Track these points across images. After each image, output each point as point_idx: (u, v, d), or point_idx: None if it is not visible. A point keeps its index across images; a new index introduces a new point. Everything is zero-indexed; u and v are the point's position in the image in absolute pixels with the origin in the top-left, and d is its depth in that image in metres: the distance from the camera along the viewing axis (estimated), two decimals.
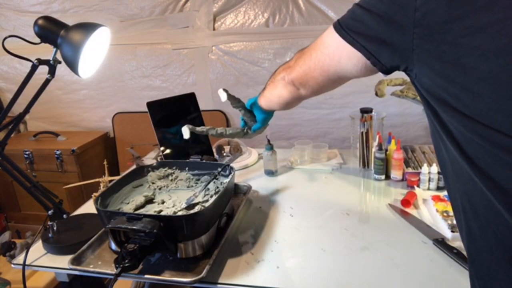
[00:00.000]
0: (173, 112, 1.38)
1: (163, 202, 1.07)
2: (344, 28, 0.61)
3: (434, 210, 1.05)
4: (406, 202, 1.12)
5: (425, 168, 1.21)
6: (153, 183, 1.15)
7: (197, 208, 1.00)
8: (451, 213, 1.02)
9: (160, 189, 1.14)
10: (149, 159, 1.59)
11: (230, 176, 1.07)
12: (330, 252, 0.93)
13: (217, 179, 1.12)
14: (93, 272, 0.86)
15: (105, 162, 1.43)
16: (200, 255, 0.89)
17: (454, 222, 0.97)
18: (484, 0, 0.46)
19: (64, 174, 2.22)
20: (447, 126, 0.52)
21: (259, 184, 1.32)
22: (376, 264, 0.87)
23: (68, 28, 0.94)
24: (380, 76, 0.66)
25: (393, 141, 1.31)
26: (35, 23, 0.93)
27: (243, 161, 1.53)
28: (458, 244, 0.90)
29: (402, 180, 1.29)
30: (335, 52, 0.64)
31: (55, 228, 1.03)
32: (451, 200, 0.60)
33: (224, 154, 1.56)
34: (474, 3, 0.46)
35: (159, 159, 1.41)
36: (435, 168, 1.21)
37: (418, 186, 1.22)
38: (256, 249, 0.95)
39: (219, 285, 0.83)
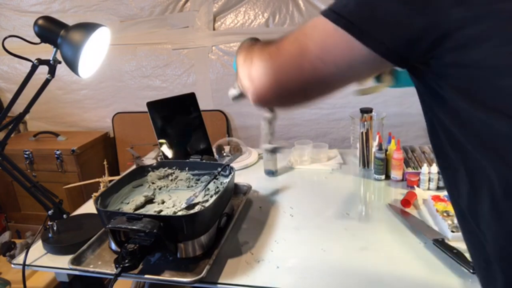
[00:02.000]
0: (173, 112, 1.38)
1: (163, 202, 1.07)
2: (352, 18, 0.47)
3: (434, 210, 1.05)
4: (406, 202, 1.12)
5: (425, 168, 1.21)
6: (153, 183, 1.15)
7: (197, 208, 1.00)
8: (451, 213, 1.02)
9: (160, 189, 1.14)
10: (149, 159, 1.59)
11: (230, 176, 1.07)
12: (330, 252, 0.93)
13: (217, 179, 1.12)
14: (93, 272, 0.86)
15: (105, 162, 1.43)
16: (200, 255, 0.89)
17: (455, 222, 0.97)
18: None
19: (64, 174, 2.22)
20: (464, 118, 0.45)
21: (259, 184, 1.32)
22: (376, 264, 0.87)
23: (68, 28, 0.94)
24: None
25: (393, 141, 1.31)
26: (35, 23, 0.93)
27: (243, 161, 1.53)
28: (458, 244, 0.90)
29: (402, 180, 1.29)
30: (343, 52, 0.49)
31: (55, 228, 1.03)
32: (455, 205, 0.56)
33: (224, 154, 1.56)
34: None
35: (159, 159, 1.41)
36: (435, 168, 1.21)
37: (418, 186, 1.22)
38: (256, 249, 0.95)
39: (219, 285, 0.83)
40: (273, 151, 0.84)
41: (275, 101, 0.58)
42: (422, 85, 0.51)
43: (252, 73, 0.57)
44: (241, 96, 0.91)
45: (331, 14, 0.48)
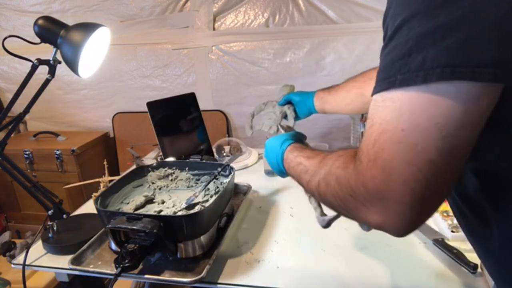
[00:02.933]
0: (173, 112, 1.38)
1: (163, 202, 1.07)
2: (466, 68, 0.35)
3: None
4: None
5: None
6: (153, 183, 1.15)
7: (197, 208, 1.00)
8: (451, 213, 1.02)
9: (160, 189, 1.14)
10: (149, 159, 1.59)
11: (230, 176, 1.07)
12: (330, 252, 0.93)
13: (217, 179, 1.12)
14: (93, 272, 0.86)
15: (105, 162, 1.43)
16: (200, 255, 0.89)
17: (455, 222, 0.97)
18: None
19: (64, 174, 2.21)
20: None
21: (259, 184, 1.32)
22: (376, 264, 0.87)
23: (68, 28, 0.94)
24: None
25: None
26: (35, 23, 0.93)
27: (243, 161, 1.53)
28: (458, 244, 0.90)
29: None
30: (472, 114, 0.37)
31: (55, 228, 1.03)
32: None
33: (224, 154, 1.56)
34: None
35: (159, 159, 1.41)
36: None
37: None
38: (256, 249, 0.95)
39: (219, 285, 0.83)
40: (329, 224, 0.75)
41: (425, 221, 0.43)
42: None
43: (373, 220, 0.43)
44: (335, 218, 0.76)
45: (410, 77, 0.37)
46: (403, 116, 0.38)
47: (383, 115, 0.40)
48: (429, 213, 0.42)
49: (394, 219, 0.41)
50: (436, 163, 0.37)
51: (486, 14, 0.35)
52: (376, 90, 0.41)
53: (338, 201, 0.49)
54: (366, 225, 0.67)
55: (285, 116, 1.13)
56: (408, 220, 0.40)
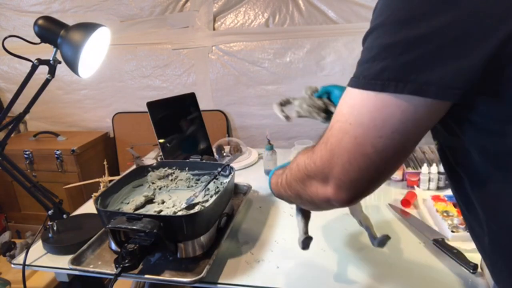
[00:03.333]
0: (173, 112, 1.38)
1: (163, 202, 1.07)
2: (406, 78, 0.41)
3: (434, 210, 1.05)
4: (406, 202, 1.12)
5: (425, 168, 1.21)
6: (153, 183, 1.15)
7: (197, 208, 1.00)
8: (451, 213, 1.02)
9: (160, 189, 1.14)
10: (149, 159, 1.59)
11: (230, 176, 1.07)
12: (330, 252, 0.93)
13: (217, 179, 1.12)
14: (93, 272, 0.86)
15: (105, 162, 1.43)
16: (200, 255, 0.89)
17: (455, 222, 0.97)
18: None
19: (64, 174, 2.21)
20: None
21: (259, 184, 1.32)
22: (376, 264, 0.87)
23: (68, 28, 0.94)
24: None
25: None
26: (35, 23, 0.93)
27: (243, 161, 1.53)
28: (458, 244, 0.90)
29: (402, 180, 1.29)
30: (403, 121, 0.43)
31: (55, 228, 1.03)
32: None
33: (224, 154, 1.56)
34: None
35: (159, 159, 1.41)
36: (435, 168, 1.21)
37: (418, 186, 1.22)
38: (256, 249, 0.95)
39: (219, 285, 0.83)
40: (305, 243, 0.83)
41: (360, 197, 0.52)
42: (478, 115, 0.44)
43: (318, 195, 0.53)
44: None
45: (368, 83, 0.44)
46: (353, 113, 0.46)
47: (342, 107, 0.48)
48: (364, 192, 0.51)
49: (334, 191, 0.50)
50: (369, 156, 0.45)
51: (438, 38, 0.40)
52: (348, 84, 0.48)
53: (299, 183, 0.58)
54: (376, 241, 0.79)
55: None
56: (346, 194, 0.49)
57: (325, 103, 0.99)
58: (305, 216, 0.84)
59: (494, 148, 0.44)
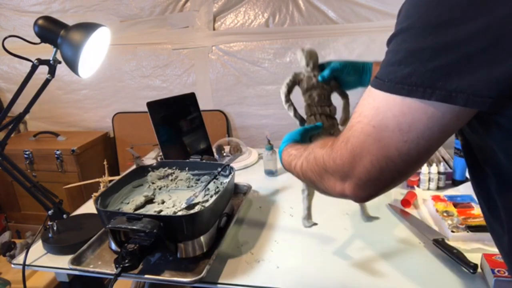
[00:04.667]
0: (173, 112, 1.38)
1: (163, 202, 1.07)
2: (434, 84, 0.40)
3: (434, 210, 1.05)
4: (406, 202, 1.12)
5: (425, 168, 1.21)
6: (153, 183, 1.15)
7: (197, 208, 1.00)
8: (451, 213, 1.02)
9: (160, 189, 1.14)
10: (149, 159, 1.59)
11: (230, 176, 1.07)
12: (330, 252, 0.93)
13: (217, 179, 1.12)
14: (93, 272, 0.86)
15: (105, 162, 1.43)
16: (200, 255, 0.89)
17: (455, 222, 0.97)
18: None
19: (64, 174, 2.21)
20: None
21: (259, 184, 1.32)
22: (375, 264, 0.87)
23: (68, 28, 0.94)
24: None
25: None
26: (35, 23, 0.93)
27: (243, 161, 1.53)
28: (458, 244, 0.90)
29: None
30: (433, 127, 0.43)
31: (55, 228, 1.03)
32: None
33: (224, 154, 1.56)
34: None
35: (159, 159, 1.41)
36: (435, 168, 1.21)
37: (418, 186, 1.22)
38: (256, 249, 0.95)
39: (219, 285, 0.83)
40: (310, 226, 0.93)
41: (377, 195, 0.52)
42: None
43: (340, 190, 0.53)
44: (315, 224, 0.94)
45: (394, 86, 0.43)
46: (377, 115, 0.45)
47: (364, 108, 0.47)
48: (382, 190, 0.51)
49: (352, 189, 0.51)
50: (393, 159, 0.45)
51: (469, 45, 0.38)
52: (371, 83, 0.47)
53: (315, 175, 0.59)
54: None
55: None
56: (364, 192, 0.50)
57: (332, 87, 0.90)
58: (310, 193, 0.90)
59: None
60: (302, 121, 0.91)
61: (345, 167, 0.50)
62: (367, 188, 0.50)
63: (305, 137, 0.84)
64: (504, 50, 0.38)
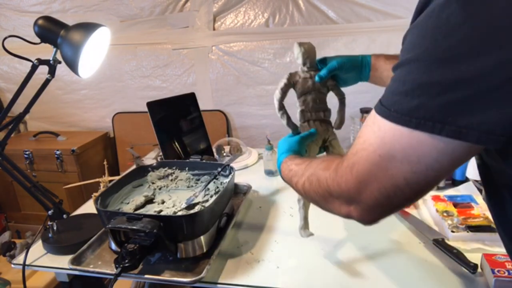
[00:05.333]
0: (173, 112, 1.38)
1: (163, 202, 1.07)
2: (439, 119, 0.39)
3: (434, 210, 1.05)
4: None
5: None
6: (153, 183, 1.15)
7: (197, 208, 1.00)
8: (451, 213, 1.02)
9: (160, 189, 1.14)
10: (149, 159, 1.59)
11: (230, 176, 1.07)
12: (330, 252, 0.93)
13: (217, 179, 1.12)
14: (93, 272, 0.86)
15: (105, 162, 1.43)
16: (200, 255, 0.89)
17: (455, 222, 0.97)
18: None
19: (64, 174, 2.21)
20: None
21: (259, 184, 1.32)
22: (375, 264, 0.87)
23: (68, 28, 0.94)
24: None
25: None
26: (35, 23, 0.93)
27: (243, 161, 1.53)
28: (458, 244, 0.90)
29: None
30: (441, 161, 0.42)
31: (55, 228, 1.03)
32: None
33: (224, 154, 1.56)
34: None
35: (159, 159, 1.41)
36: None
37: None
38: (256, 249, 0.95)
39: (219, 285, 0.83)
40: (307, 236, 0.89)
41: (384, 218, 0.52)
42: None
43: (351, 213, 0.52)
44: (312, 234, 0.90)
45: (401, 118, 0.42)
46: (384, 145, 0.44)
47: (368, 135, 0.46)
48: (389, 214, 0.51)
49: (359, 214, 0.50)
50: (401, 188, 0.45)
51: (480, 82, 0.37)
52: (375, 109, 0.46)
53: (319, 196, 0.58)
54: None
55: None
56: (371, 216, 0.50)
57: (329, 86, 0.88)
58: (306, 202, 0.89)
59: None
60: (295, 129, 0.88)
61: (351, 192, 0.49)
62: (374, 213, 0.49)
63: (303, 146, 0.83)
64: None
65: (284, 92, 0.86)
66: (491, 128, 0.38)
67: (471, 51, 0.37)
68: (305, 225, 0.90)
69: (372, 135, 0.46)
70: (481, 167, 0.54)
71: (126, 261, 0.79)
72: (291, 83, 0.86)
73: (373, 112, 0.46)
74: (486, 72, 0.37)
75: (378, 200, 0.47)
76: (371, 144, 0.46)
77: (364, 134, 0.47)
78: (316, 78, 0.86)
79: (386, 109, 0.43)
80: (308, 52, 0.87)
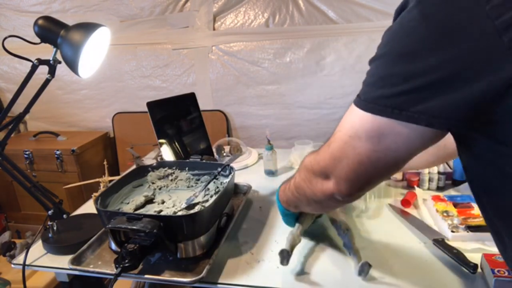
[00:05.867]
0: (173, 112, 1.38)
1: (163, 202, 1.07)
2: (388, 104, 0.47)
3: (434, 210, 1.05)
4: (406, 202, 1.12)
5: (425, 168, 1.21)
6: (153, 183, 1.15)
7: (197, 208, 1.00)
8: (451, 213, 1.02)
9: (160, 189, 1.14)
10: (149, 159, 1.59)
11: (230, 176, 1.07)
12: (330, 252, 0.93)
13: (217, 179, 1.12)
14: (93, 272, 0.86)
15: (105, 162, 1.43)
16: (200, 255, 0.89)
17: (455, 222, 0.97)
18: None
19: (64, 174, 2.22)
20: None
21: (259, 184, 1.32)
22: (375, 264, 0.87)
23: (68, 28, 0.94)
24: None
25: None
26: (35, 23, 0.93)
27: (243, 161, 1.53)
28: (458, 244, 0.90)
29: (402, 180, 1.29)
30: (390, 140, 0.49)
31: (55, 228, 1.03)
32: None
33: (224, 154, 1.56)
34: None
35: (159, 159, 1.41)
36: (435, 168, 1.21)
37: (418, 186, 1.22)
38: (256, 249, 0.95)
39: (219, 285, 0.83)
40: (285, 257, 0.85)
41: (358, 192, 0.60)
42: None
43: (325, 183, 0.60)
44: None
45: (367, 105, 0.49)
46: (353, 127, 0.52)
47: (345, 120, 0.55)
48: (361, 189, 0.58)
49: (336, 186, 0.58)
50: (365, 164, 0.53)
51: (432, 74, 0.43)
52: (354, 100, 0.53)
53: (306, 183, 0.67)
54: (358, 269, 0.83)
55: None
56: (345, 188, 0.57)
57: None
58: (296, 236, 0.89)
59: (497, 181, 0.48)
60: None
61: (327, 167, 0.58)
62: (347, 184, 0.56)
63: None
64: (461, 80, 0.42)
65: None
66: (438, 113, 0.44)
67: (425, 48, 0.43)
68: (288, 254, 0.85)
69: (347, 120, 0.54)
70: (464, 169, 0.58)
71: (126, 261, 0.79)
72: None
73: (352, 103, 0.54)
74: (436, 66, 0.43)
75: (347, 174, 0.55)
76: (344, 127, 0.54)
77: (342, 121, 0.56)
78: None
79: (358, 98, 0.51)
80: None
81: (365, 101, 0.50)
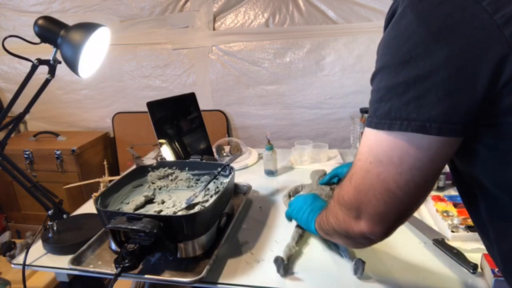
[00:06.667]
0: (173, 112, 1.38)
1: (163, 202, 1.07)
2: (399, 119, 0.44)
3: (434, 210, 1.05)
4: None
5: None
6: (153, 183, 1.15)
7: (197, 208, 1.00)
8: (451, 213, 1.02)
9: (160, 189, 1.14)
10: (149, 159, 1.59)
11: (230, 176, 1.07)
12: (329, 252, 0.93)
13: (217, 179, 1.12)
14: (93, 272, 0.86)
15: (105, 162, 1.43)
16: (200, 255, 0.89)
17: (455, 222, 0.97)
18: None
19: (64, 174, 2.21)
20: None
21: (259, 184, 1.32)
22: (376, 264, 0.87)
23: (68, 28, 0.94)
24: None
25: None
26: (35, 23, 0.93)
27: (243, 161, 1.53)
28: (458, 244, 0.90)
29: None
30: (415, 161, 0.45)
31: (55, 228, 1.03)
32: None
33: (224, 154, 1.56)
34: None
35: (159, 159, 1.41)
36: None
37: None
38: (256, 249, 0.95)
39: (219, 285, 0.83)
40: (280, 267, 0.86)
41: (394, 228, 0.56)
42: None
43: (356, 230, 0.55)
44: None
45: (379, 123, 0.46)
46: (371, 152, 0.48)
47: (361, 146, 0.50)
48: (396, 223, 0.53)
49: (368, 226, 0.52)
50: (393, 192, 0.47)
51: (435, 76, 0.42)
52: (365, 123, 0.50)
53: (335, 219, 0.60)
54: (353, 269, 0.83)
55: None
56: (379, 227, 0.52)
57: (333, 189, 0.99)
58: (289, 251, 0.90)
59: (499, 178, 0.46)
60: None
61: (353, 203, 0.52)
62: (380, 222, 0.51)
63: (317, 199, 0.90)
64: (466, 78, 0.41)
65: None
66: (449, 119, 0.42)
67: (426, 50, 0.42)
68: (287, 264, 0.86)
69: (363, 145, 0.50)
70: (453, 170, 0.57)
71: (126, 261, 0.79)
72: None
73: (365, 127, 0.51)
74: (439, 66, 0.41)
75: (376, 208, 0.50)
76: (362, 154, 0.50)
77: (359, 147, 0.51)
78: (321, 181, 1.11)
79: (369, 119, 0.48)
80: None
81: (377, 119, 0.46)
